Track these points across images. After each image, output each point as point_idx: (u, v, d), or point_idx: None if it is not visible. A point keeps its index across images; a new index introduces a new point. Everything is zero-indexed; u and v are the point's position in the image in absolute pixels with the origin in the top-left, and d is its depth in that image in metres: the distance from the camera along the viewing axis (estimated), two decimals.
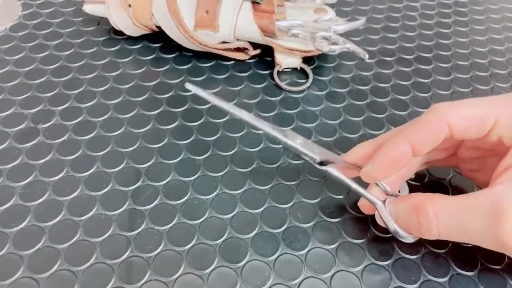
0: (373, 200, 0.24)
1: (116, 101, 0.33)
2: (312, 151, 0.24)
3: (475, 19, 0.44)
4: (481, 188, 0.26)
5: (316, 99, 0.35)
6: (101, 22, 0.40)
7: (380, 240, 0.26)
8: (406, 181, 0.27)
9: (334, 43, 0.34)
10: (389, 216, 0.23)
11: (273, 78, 0.36)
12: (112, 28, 0.38)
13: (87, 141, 0.31)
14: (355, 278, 0.24)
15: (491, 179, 0.22)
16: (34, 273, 0.24)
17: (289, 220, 0.27)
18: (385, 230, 0.25)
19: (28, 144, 0.30)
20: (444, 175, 0.30)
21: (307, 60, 0.37)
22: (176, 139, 0.31)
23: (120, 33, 0.38)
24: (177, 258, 0.25)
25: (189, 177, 0.29)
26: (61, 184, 0.28)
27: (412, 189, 0.27)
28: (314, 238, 0.26)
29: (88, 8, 0.38)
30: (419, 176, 0.29)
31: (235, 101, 0.34)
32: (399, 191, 0.26)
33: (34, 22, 0.40)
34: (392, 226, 0.23)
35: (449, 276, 0.25)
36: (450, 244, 0.26)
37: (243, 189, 0.28)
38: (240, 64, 0.37)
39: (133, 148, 0.30)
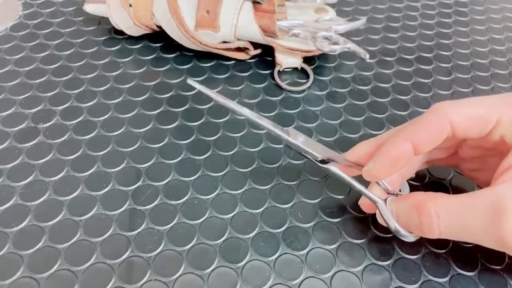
0: (374, 199, 0.24)
1: (116, 100, 0.33)
2: (313, 149, 0.24)
3: (475, 19, 0.44)
4: (481, 188, 0.26)
5: (316, 99, 0.35)
6: (102, 21, 0.40)
7: (381, 240, 0.26)
8: (407, 181, 0.27)
9: (335, 43, 0.34)
10: (390, 215, 0.23)
11: (273, 78, 0.36)
12: (113, 27, 0.38)
13: (87, 141, 0.31)
14: (355, 278, 0.24)
15: (492, 178, 0.22)
16: (34, 273, 0.24)
17: (290, 220, 0.27)
18: (386, 230, 0.25)
19: (28, 144, 0.30)
20: (445, 175, 0.30)
21: (307, 60, 0.37)
22: (176, 139, 0.31)
23: (120, 32, 0.38)
24: (178, 258, 0.25)
25: (190, 177, 0.29)
26: (62, 183, 0.28)
27: (413, 189, 0.26)
28: (315, 238, 0.26)
29: (88, 8, 0.38)
30: (419, 176, 0.29)
31: (235, 101, 0.34)
32: (400, 190, 0.26)
33: (35, 21, 0.40)
34: (393, 225, 0.23)
35: (449, 276, 0.25)
36: (450, 244, 0.26)
37: (243, 189, 0.28)
38: (240, 64, 0.37)
39: (133, 148, 0.30)
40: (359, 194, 0.25)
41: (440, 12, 0.45)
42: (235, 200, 0.28)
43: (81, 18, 0.40)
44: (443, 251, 0.26)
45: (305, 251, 0.25)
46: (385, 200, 0.24)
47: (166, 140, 0.31)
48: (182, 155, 0.30)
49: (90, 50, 0.37)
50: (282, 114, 0.33)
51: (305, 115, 0.33)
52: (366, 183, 0.24)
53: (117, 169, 0.29)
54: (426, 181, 0.29)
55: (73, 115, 0.32)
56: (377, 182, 0.24)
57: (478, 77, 0.38)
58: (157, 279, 0.24)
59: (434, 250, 0.26)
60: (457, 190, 0.29)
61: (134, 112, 0.33)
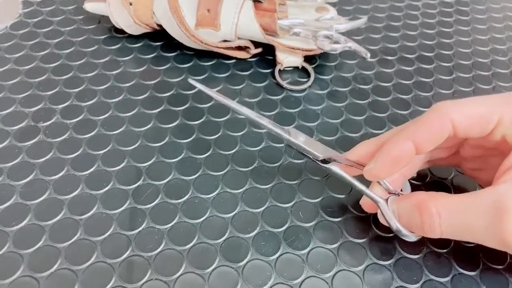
0: (375, 199, 0.24)
1: (116, 99, 0.33)
2: (315, 149, 0.24)
3: (477, 18, 0.44)
4: (483, 187, 0.26)
5: (317, 98, 0.35)
6: (102, 20, 0.40)
7: (382, 239, 0.26)
8: (408, 180, 0.27)
9: (336, 42, 0.34)
10: (391, 214, 0.23)
11: (274, 77, 0.36)
12: (113, 26, 0.38)
13: (87, 140, 0.30)
14: (356, 278, 0.24)
15: (494, 177, 0.22)
16: (35, 272, 0.24)
17: (291, 220, 0.27)
18: (387, 230, 0.25)
19: (28, 143, 0.30)
20: (446, 175, 0.30)
21: (308, 59, 0.37)
22: (177, 138, 0.31)
23: (121, 31, 0.38)
24: (178, 257, 0.25)
25: (190, 176, 0.29)
26: (62, 182, 0.28)
27: (414, 188, 0.26)
28: (316, 238, 0.26)
29: (89, 6, 0.38)
30: (421, 176, 0.29)
31: (236, 100, 0.34)
32: (401, 190, 0.26)
33: (35, 20, 0.40)
34: (395, 224, 0.23)
35: (451, 275, 0.25)
36: (452, 244, 0.26)
37: (244, 188, 0.28)
38: (241, 63, 0.37)
39: (134, 146, 0.30)
40: (360, 193, 0.25)
41: (441, 11, 0.45)
42: (236, 199, 0.28)
43: (81, 17, 0.40)
44: (445, 250, 0.26)
45: (306, 251, 0.25)
46: (387, 200, 0.23)
47: (167, 139, 0.31)
48: (183, 154, 0.30)
49: (90, 49, 0.37)
50: (282, 113, 0.33)
51: (306, 114, 0.33)
52: (367, 183, 0.24)
53: (117, 168, 0.29)
54: (428, 180, 0.29)
55: (73, 114, 0.32)
56: (378, 182, 0.24)
57: (479, 76, 0.37)
58: (157, 279, 0.24)
59: (436, 249, 0.26)
60: (458, 189, 0.29)
61: (134, 111, 0.33)
